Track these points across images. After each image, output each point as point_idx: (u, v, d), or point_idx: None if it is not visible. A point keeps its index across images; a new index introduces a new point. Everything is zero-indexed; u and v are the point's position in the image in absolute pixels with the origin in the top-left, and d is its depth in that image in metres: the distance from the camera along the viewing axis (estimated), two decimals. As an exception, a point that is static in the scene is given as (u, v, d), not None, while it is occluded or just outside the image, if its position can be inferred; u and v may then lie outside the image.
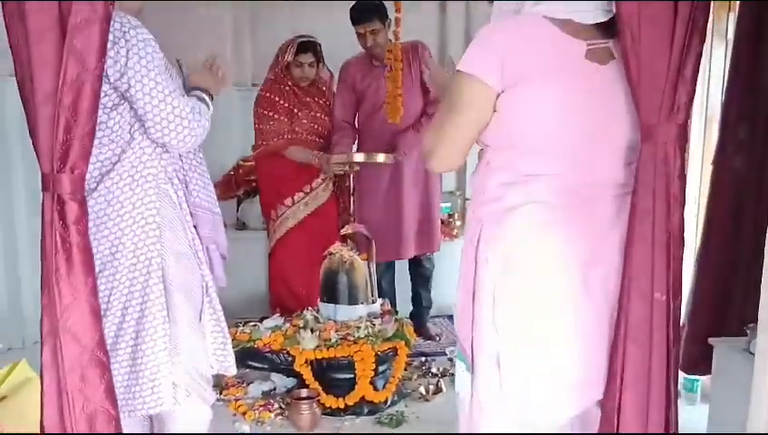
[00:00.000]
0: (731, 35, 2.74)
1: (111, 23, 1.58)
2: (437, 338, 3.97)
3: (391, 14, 3.49)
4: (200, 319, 1.92)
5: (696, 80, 1.45)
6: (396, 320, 3.09)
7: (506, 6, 1.61)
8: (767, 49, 2.30)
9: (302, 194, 3.76)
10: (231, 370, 2.04)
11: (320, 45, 3.68)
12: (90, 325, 1.49)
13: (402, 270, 4.03)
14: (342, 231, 3.26)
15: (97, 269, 1.69)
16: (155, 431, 2.04)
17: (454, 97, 1.59)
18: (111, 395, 1.57)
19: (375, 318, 3.05)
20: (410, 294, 4.05)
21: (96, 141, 1.59)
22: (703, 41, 1.43)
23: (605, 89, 1.53)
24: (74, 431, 1.50)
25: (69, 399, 1.49)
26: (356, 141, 3.84)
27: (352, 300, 3.07)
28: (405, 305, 4.01)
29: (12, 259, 3.63)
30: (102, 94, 1.55)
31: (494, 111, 1.56)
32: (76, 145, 1.44)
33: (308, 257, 3.57)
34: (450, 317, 4.33)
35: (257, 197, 4.20)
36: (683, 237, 1.49)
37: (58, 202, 1.44)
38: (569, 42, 1.52)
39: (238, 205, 4.68)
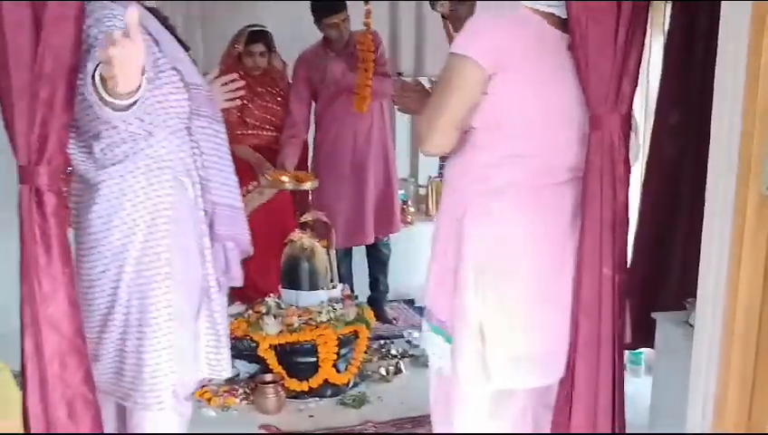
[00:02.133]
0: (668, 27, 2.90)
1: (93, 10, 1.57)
2: (395, 321, 4.08)
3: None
4: (196, 320, 1.86)
5: (638, 72, 1.58)
6: (356, 304, 3.19)
7: None
8: (698, 40, 2.46)
9: (255, 183, 3.79)
10: (224, 374, 1.95)
11: (270, 34, 3.71)
12: (68, 314, 1.53)
13: (359, 256, 4.12)
14: (302, 218, 3.33)
15: (106, 259, 1.69)
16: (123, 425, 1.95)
17: (447, 79, 1.68)
18: (89, 381, 1.62)
19: (336, 303, 3.14)
20: (368, 279, 4.15)
21: (113, 131, 1.57)
22: (644, 36, 1.57)
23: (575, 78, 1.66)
24: (55, 417, 1.55)
25: (50, 386, 1.53)
26: (304, 139, 3.87)
27: (313, 286, 3.15)
28: (362, 291, 4.11)
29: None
30: None
31: (485, 93, 1.65)
32: (53, 138, 1.48)
33: (265, 245, 3.61)
34: (407, 302, 4.45)
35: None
36: (627, 217, 1.63)
37: (36, 194, 1.48)
38: (553, 33, 1.65)
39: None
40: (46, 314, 1.49)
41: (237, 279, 2.03)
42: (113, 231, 1.72)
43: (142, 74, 1.40)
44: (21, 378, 1.64)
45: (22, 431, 1.61)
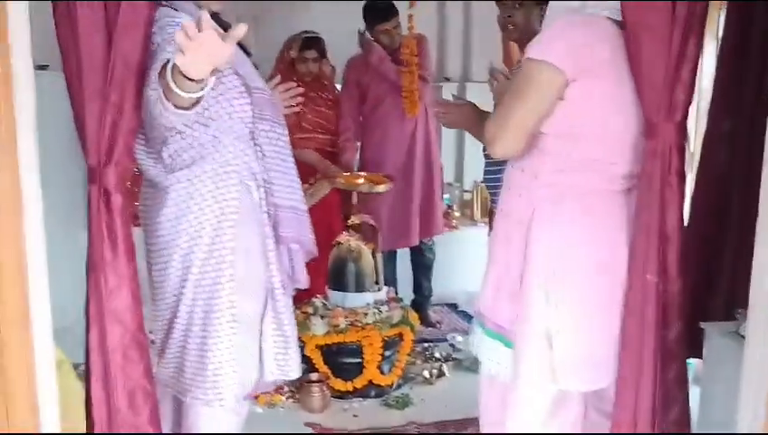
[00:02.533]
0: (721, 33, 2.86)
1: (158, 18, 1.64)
2: (438, 325, 4.10)
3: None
4: (261, 322, 1.88)
5: (693, 81, 1.58)
6: (401, 307, 3.22)
7: (566, 5, 1.72)
8: (753, 46, 2.42)
9: (306, 186, 3.86)
10: (292, 374, 1.97)
11: (323, 41, 3.78)
12: (131, 308, 1.60)
13: (403, 259, 4.16)
14: (349, 221, 3.38)
15: (174, 261, 1.76)
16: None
17: (523, 83, 1.70)
18: (149, 374, 1.69)
19: (381, 305, 3.18)
20: (412, 283, 4.18)
21: (178, 137, 1.64)
22: (699, 45, 1.57)
23: None
24: (117, 406, 1.62)
25: (112, 377, 1.61)
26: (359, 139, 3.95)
27: (360, 287, 3.19)
28: (406, 294, 4.13)
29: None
30: None
31: (561, 99, 1.67)
32: (121, 141, 1.55)
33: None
34: (450, 305, 4.47)
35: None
36: (681, 227, 1.63)
37: (104, 194, 1.55)
38: (623, 39, 1.65)
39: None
40: (111, 307, 1.56)
41: (303, 281, 2.06)
42: (181, 234, 1.78)
43: (212, 74, 1.44)
44: (81, 370, 1.72)
45: (84, 423, 1.68)
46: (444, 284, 4.34)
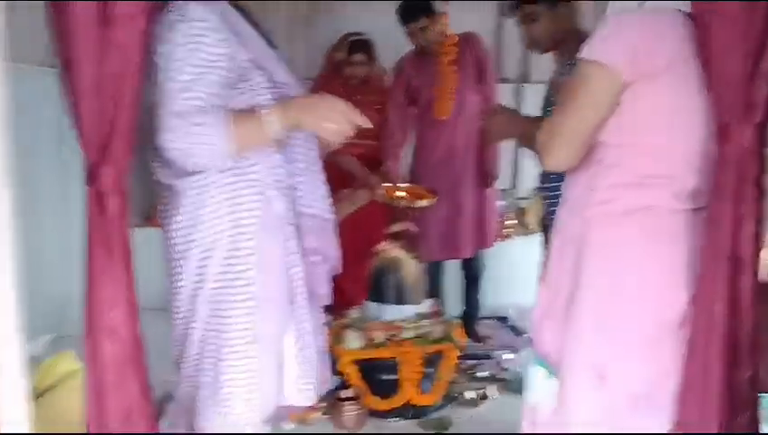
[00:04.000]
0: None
1: (167, 13, 1.54)
2: (487, 341, 3.87)
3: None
4: (282, 342, 1.73)
5: (774, 77, 1.33)
6: (444, 321, 3.02)
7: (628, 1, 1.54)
8: None
9: (346, 191, 3.69)
10: (308, 401, 1.80)
11: (372, 43, 3.62)
12: (127, 321, 1.46)
13: (452, 271, 3.95)
14: (391, 229, 3.20)
15: (187, 273, 1.65)
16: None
17: (577, 87, 1.51)
18: (146, 391, 1.54)
19: (423, 319, 2.98)
20: (460, 295, 3.97)
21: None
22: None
23: None
24: (111, 424, 1.48)
25: (106, 394, 1.47)
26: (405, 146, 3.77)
27: (400, 299, 3.01)
28: (454, 308, 3.93)
29: (66, 247, 3.68)
30: None
31: (619, 104, 1.47)
32: (118, 139, 1.41)
33: (353, 253, 3.53)
34: (500, 319, 4.23)
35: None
36: (757, 249, 1.37)
37: (101, 196, 1.42)
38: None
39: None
40: (105, 320, 1.43)
41: (325, 297, 1.89)
42: (193, 244, 1.65)
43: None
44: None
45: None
46: (495, 296, 4.12)
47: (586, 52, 1.49)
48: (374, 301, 3.03)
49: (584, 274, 1.55)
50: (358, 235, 3.55)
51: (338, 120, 1.64)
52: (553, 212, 2.53)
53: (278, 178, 1.69)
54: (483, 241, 3.76)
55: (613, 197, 1.53)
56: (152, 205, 3.18)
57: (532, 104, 4.13)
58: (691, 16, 1.44)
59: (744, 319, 1.38)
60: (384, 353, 2.83)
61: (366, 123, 1.64)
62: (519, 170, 4.65)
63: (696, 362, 1.41)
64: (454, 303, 3.93)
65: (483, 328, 4.00)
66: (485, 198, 3.74)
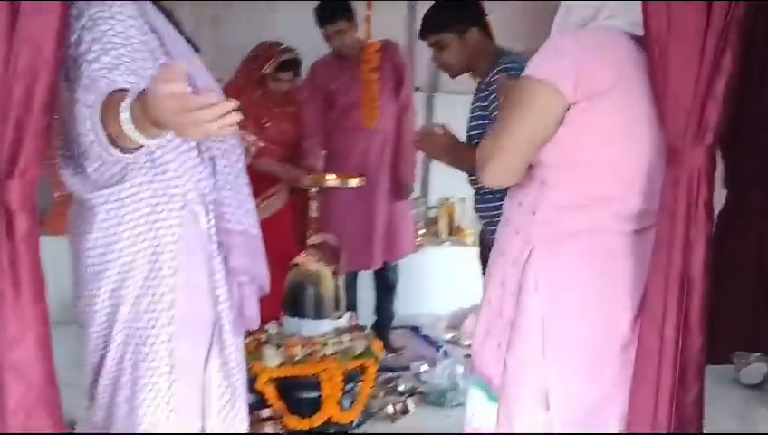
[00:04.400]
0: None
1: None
2: (401, 351, 3.83)
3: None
4: (204, 371, 1.59)
5: (727, 99, 1.34)
6: (365, 335, 2.93)
7: (574, 18, 1.48)
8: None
9: (258, 200, 3.52)
10: (241, 428, 1.69)
11: (300, 61, 3.45)
12: (38, 360, 1.28)
13: (364, 281, 3.87)
14: (310, 241, 3.07)
15: (100, 298, 1.48)
16: None
17: (518, 105, 1.45)
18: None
19: (343, 334, 2.88)
20: (373, 305, 3.90)
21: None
22: (736, 57, 1.33)
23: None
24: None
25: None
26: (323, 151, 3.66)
27: (319, 314, 2.88)
28: (366, 318, 3.85)
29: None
30: None
31: (561, 124, 1.43)
32: (28, 145, 1.23)
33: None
34: (413, 329, 4.20)
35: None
36: (707, 271, 1.38)
37: (6, 214, 1.23)
38: (639, 53, 1.42)
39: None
40: (11, 359, 1.24)
41: (254, 321, 1.74)
42: (109, 265, 1.48)
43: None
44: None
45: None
46: (407, 306, 4.08)
47: (531, 69, 1.45)
48: (292, 316, 2.89)
49: (526, 297, 1.51)
50: (272, 245, 3.39)
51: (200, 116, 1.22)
52: (490, 230, 2.52)
53: (202, 192, 1.56)
54: (397, 251, 3.71)
55: (555, 218, 1.49)
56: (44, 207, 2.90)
57: (442, 114, 4.15)
58: (634, 36, 1.44)
59: (694, 340, 1.38)
60: (305, 371, 2.70)
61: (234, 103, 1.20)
62: (429, 180, 4.65)
63: (646, 385, 1.40)
64: (366, 313, 3.87)
65: (395, 338, 3.96)
66: (400, 209, 3.69)
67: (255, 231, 1.71)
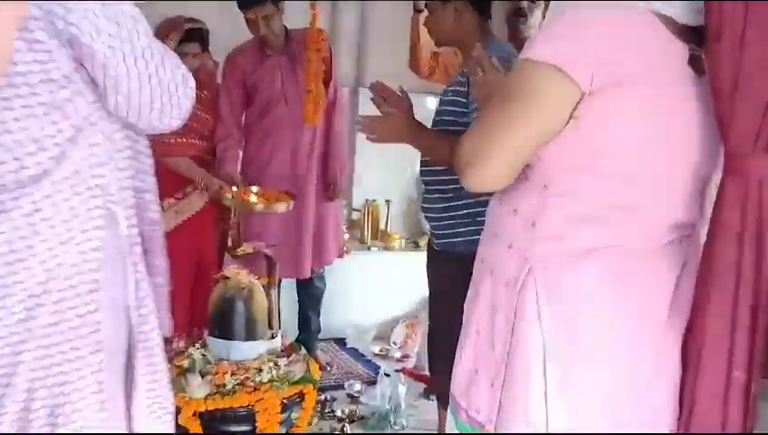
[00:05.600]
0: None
1: None
2: (328, 367, 3.53)
3: None
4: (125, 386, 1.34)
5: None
6: (302, 358, 2.60)
7: None
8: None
9: (172, 200, 3.11)
10: None
11: (207, 32, 3.08)
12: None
13: (287, 291, 3.54)
14: (239, 250, 2.70)
15: (13, 328, 1.17)
16: None
17: (519, 93, 1.19)
18: None
19: (278, 357, 2.54)
20: (296, 318, 3.57)
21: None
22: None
23: (698, 104, 1.22)
24: None
25: None
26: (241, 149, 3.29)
27: (250, 335, 2.53)
28: (288, 330, 3.52)
29: None
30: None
31: (572, 117, 1.18)
32: None
33: (180, 277, 2.98)
34: (338, 341, 3.92)
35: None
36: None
37: None
38: (674, 43, 1.18)
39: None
40: None
41: (166, 326, 1.46)
42: (17, 287, 1.17)
43: None
44: None
45: None
46: (331, 316, 3.79)
47: (533, 51, 1.19)
48: (219, 337, 2.52)
49: (526, 326, 1.25)
50: (187, 256, 3.00)
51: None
52: (437, 235, 2.26)
53: (124, 186, 1.30)
54: (325, 257, 3.41)
55: (562, 231, 1.24)
56: None
57: (366, 108, 3.89)
58: (669, 21, 1.21)
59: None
60: (236, 402, 2.34)
61: None
62: (353, 180, 4.37)
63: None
64: (289, 326, 3.53)
65: (321, 352, 3.66)
66: (329, 212, 3.39)
67: (159, 232, 1.46)
